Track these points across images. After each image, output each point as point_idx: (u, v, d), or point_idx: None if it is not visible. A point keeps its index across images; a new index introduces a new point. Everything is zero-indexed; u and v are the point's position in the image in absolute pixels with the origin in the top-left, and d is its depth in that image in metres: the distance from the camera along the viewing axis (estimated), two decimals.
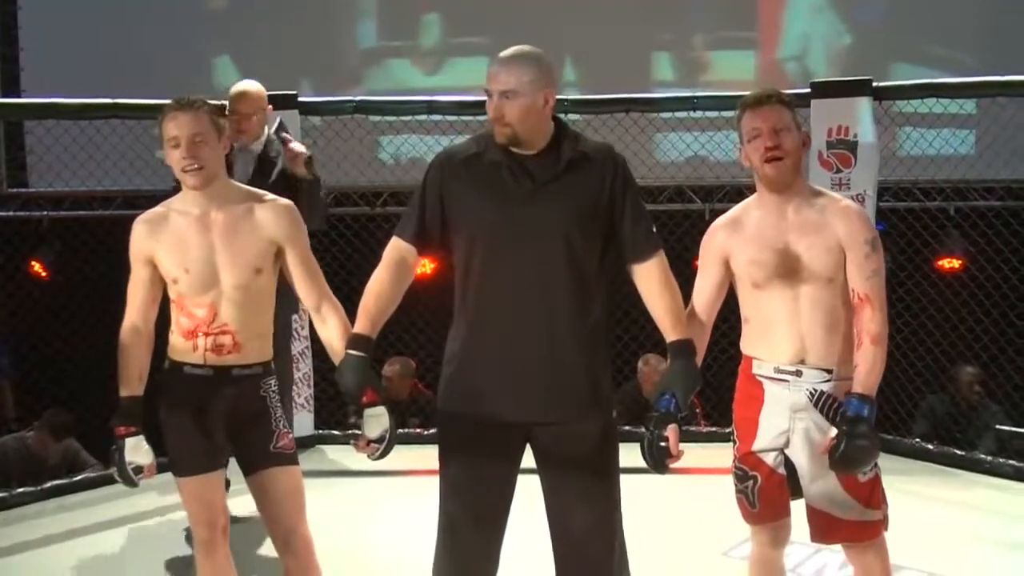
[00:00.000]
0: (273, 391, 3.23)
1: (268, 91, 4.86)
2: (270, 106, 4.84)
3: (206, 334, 3.12)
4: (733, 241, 3.15)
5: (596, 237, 2.93)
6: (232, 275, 3.12)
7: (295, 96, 6.03)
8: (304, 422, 5.98)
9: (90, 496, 5.37)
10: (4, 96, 8.11)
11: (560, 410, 2.92)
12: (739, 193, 6.83)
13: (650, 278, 2.97)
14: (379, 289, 2.96)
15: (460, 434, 2.97)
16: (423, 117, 6.44)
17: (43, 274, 7.50)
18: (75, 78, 7.64)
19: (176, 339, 3.16)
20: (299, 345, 5.97)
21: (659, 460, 2.97)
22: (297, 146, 4.78)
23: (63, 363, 7.30)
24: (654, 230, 3.00)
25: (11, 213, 7.76)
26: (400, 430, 5.98)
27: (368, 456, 3.01)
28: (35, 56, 8.35)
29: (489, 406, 2.92)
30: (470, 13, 8.28)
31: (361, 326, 2.94)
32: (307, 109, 6.19)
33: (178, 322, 3.16)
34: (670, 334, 2.95)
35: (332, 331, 3.11)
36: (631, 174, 3.00)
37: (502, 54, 2.92)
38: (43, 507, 5.25)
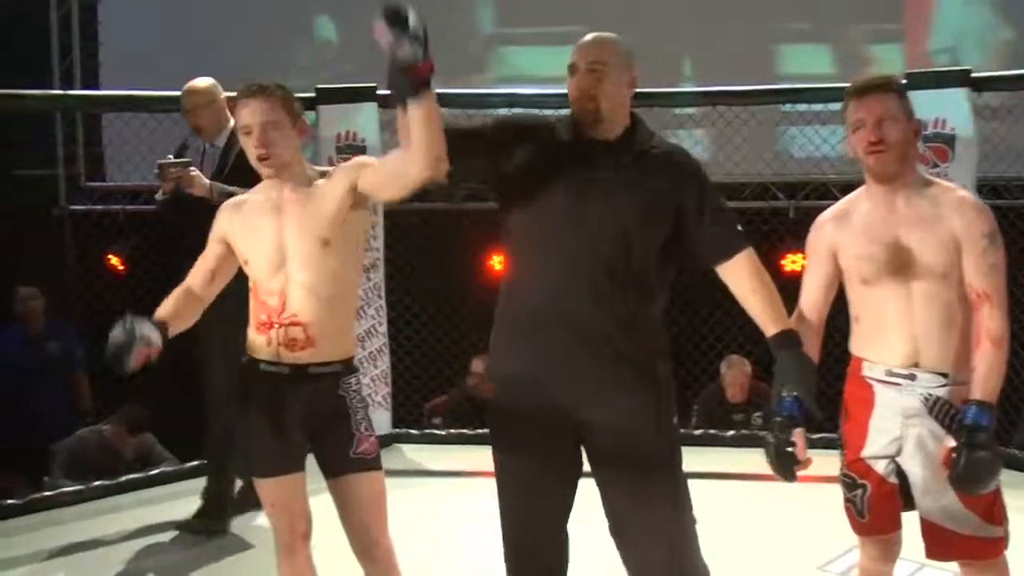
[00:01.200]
0: (354, 391, 3.07)
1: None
2: (222, 98, 4.61)
3: (278, 324, 2.97)
4: (841, 235, 2.98)
5: (656, 236, 2.84)
6: (299, 251, 2.96)
7: (374, 89, 5.91)
8: (382, 420, 5.88)
9: (165, 491, 5.32)
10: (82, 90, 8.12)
11: (609, 404, 2.81)
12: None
13: (740, 275, 2.86)
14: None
15: (510, 427, 2.89)
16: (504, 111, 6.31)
17: (120, 268, 7.50)
18: (155, 72, 7.61)
19: (252, 334, 3.05)
20: (377, 342, 5.90)
21: (787, 467, 2.85)
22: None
23: None
24: (740, 228, 2.88)
25: (89, 206, 7.80)
26: (483, 429, 5.93)
27: None
28: (114, 49, 8.35)
29: (536, 397, 2.82)
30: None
31: None
32: (387, 102, 6.07)
33: (254, 315, 3.04)
34: (770, 328, 2.84)
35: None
36: (706, 177, 2.91)
37: (591, 35, 2.90)
38: (119, 501, 5.23)
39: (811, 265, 3.06)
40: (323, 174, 3.10)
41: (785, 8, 8.09)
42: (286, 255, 2.99)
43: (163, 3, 8.34)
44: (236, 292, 4.07)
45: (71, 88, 8.03)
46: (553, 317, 2.81)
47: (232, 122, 4.48)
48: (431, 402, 6.79)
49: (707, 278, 2.95)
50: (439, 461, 5.69)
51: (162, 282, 4.51)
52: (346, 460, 3.01)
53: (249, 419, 3.04)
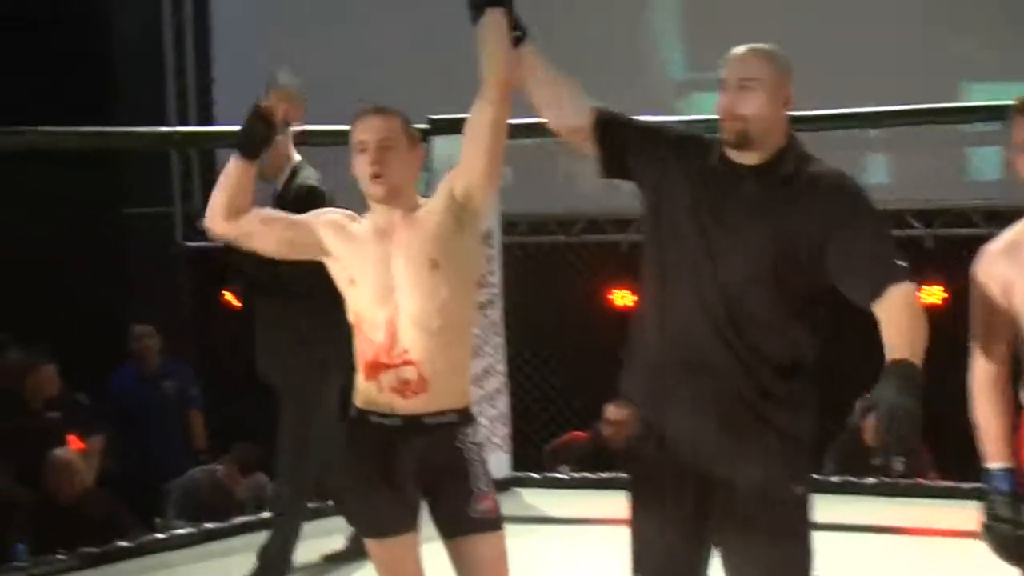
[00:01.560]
0: (472, 443, 2.86)
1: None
2: (291, 128, 4.26)
3: (387, 366, 2.78)
4: (1013, 271, 2.64)
5: (799, 274, 2.56)
6: (407, 276, 2.79)
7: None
8: (500, 463, 5.69)
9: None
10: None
11: (741, 467, 2.57)
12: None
13: (890, 308, 2.49)
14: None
15: (645, 478, 2.69)
16: None
17: (235, 304, 7.46)
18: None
19: (359, 381, 2.86)
20: (495, 381, 5.73)
21: (1016, 551, 2.59)
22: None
23: (254, 396, 7.24)
24: (900, 261, 2.53)
25: (205, 243, 7.77)
26: (608, 474, 5.71)
27: None
28: (228, 85, 8.34)
29: (667, 450, 2.61)
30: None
31: None
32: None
33: (361, 357, 2.84)
34: (893, 353, 2.40)
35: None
36: (867, 204, 2.60)
37: (744, 46, 2.64)
38: (230, 544, 5.08)
39: (983, 309, 2.70)
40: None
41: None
42: (394, 282, 2.81)
43: (276, 38, 8.30)
44: (317, 338, 3.92)
45: (186, 124, 8.04)
46: (681, 364, 2.59)
47: (296, 159, 4.37)
48: (553, 444, 6.61)
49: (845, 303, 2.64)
50: (561, 507, 5.50)
51: None
52: (465, 520, 2.81)
53: (358, 474, 2.85)
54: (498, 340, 5.70)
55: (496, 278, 5.72)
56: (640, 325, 2.71)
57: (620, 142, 2.71)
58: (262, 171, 4.20)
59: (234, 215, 2.89)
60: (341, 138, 5.32)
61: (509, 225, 6.33)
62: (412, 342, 2.77)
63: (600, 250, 6.62)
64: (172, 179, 8.20)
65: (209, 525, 5.24)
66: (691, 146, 2.69)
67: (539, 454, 6.36)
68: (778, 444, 2.58)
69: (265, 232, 2.93)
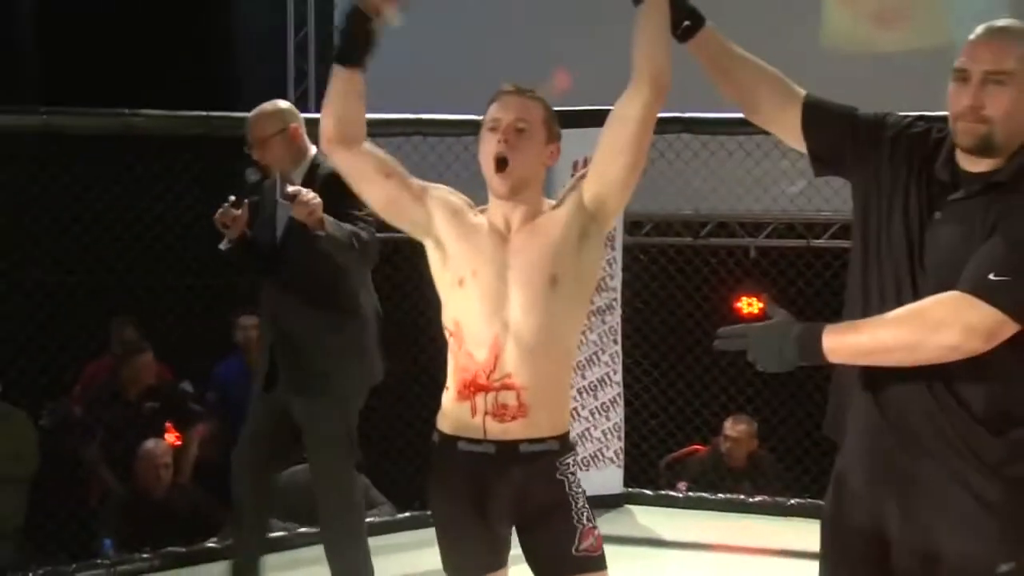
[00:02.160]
0: (572, 473, 2.58)
1: None
2: (294, 124, 4.00)
3: (486, 389, 2.50)
4: None
5: None
6: (522, 291, 2.51)
7: None
8: (612, 478, 5.58)
9: (375, 543, 4.76)
10: None
11: (927, 530, 2.22)
12: None
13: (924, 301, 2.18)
14: None
15: (826, 525, 2.38)
16: None
17: None
18: (394, 97, 7.43)
19: (449, 401, 2.59)
20: (610, 392, 5.55)
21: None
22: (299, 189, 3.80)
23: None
24: (1002, 279, 2.11)
25: None
26: (725, 495, 5.44)
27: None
28: (324, 74, 8.24)
29: (850, 489, 2.32)
30: None
31: None
32: None
33: (454, 371, 2.57)
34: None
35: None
36: None
37: (987, 25, 2.22)
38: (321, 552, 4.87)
39: None
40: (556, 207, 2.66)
41: None
42: (508, 295, 2.53)
43: (401, 31, 8.14)
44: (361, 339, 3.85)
45: (305, 113, 7.95)
46: (872, 400, 2.25)
47: (314, 151, 3.97)
48: (670, 456, 6.41)
49: None
50: (675, 529, 5.31)
51: (387, 311, 4.32)
52: (568, 559, 2.54)
53: (444, 509, 2.62)
54: (615, 348, 5.57)
55: (616, 282, 5.57)
56: None
57: (830, 136, 2.38)
58: (280, 164, 3.99)
59: (347, 139, 2.61)
60: (460, 127, 5.31)
61: (633, 225, 6.15)
62: (517, 365, 2.52)
63: (729, 255, 6.32)
64: None
65: (303, 529, 5.10)
66: (913, 144, 2.30)
67: (653, 469, 6.19)
68: (982, 512, 2.21)
69: (377, 180, 2.63)
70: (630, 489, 5.76)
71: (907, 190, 2.25)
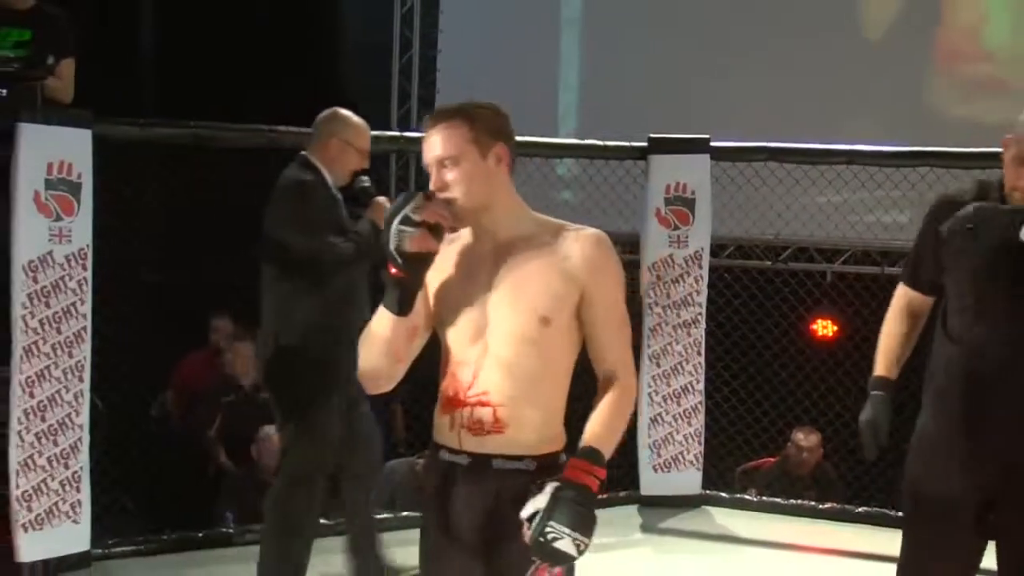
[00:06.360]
0: None
1: None
2: (343, 134, 4.25)
3: (463, 404, 2.42)
4: None
5: None
6: (507, 323, 2.41)
7: (707, 140, 5.75)
8: (692, 480, 5.72)
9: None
10: None
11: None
12: None
13: None
14: (888, 330, 2.95)
15: (915, 513, 2.70)
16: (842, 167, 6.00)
17: None
18: None
19: (437, 414, 2.50)
20: (692, 399, 5.71)
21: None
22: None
23: None
24: None
25: None
26: (793, 500, 5.67)
27: None
28: (451, 97, 8.52)
29: (943, 484, 2.61)
30: None
31: (881, 368, 2.90)
32: (719, 154, 5.91)
33: (442, 390, 2.49)
34: None
35: (601, 410, 2.41)
36: None
37: None
38: (412, 536, 5.14)
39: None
40: (559, 228, 2.48)
41: None
42: (488, 322, 2.43)
43: (502, 56, 8.46)
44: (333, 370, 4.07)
45: (407, 131, 8.27)
46: (975, 396, 2.61)
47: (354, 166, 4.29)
48: (744, 466, 6.57)
49: None
50: (750, 529, 5.44)
51: None
52: None
53: (424, 518, 2.56)
54: (698, 359, 5.70)
55: (701, 298, 5.72)
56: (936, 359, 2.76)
57: (932, 276, 2.79)
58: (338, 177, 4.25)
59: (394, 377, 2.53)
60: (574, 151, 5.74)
61: (718, 247, 6.30)
62: (493, 385, 2.42)
63: (806, 278, 6.52)
64: (390, 185, 8.42)
65: (404, 513, 5.35)
66: (950, 203, 2.71)
67: (730, 474, 6.30)
68: None
69: (424, 334, 2.53)
70: (708, 492, 5.85)
71: (977, 232, 2.62)
